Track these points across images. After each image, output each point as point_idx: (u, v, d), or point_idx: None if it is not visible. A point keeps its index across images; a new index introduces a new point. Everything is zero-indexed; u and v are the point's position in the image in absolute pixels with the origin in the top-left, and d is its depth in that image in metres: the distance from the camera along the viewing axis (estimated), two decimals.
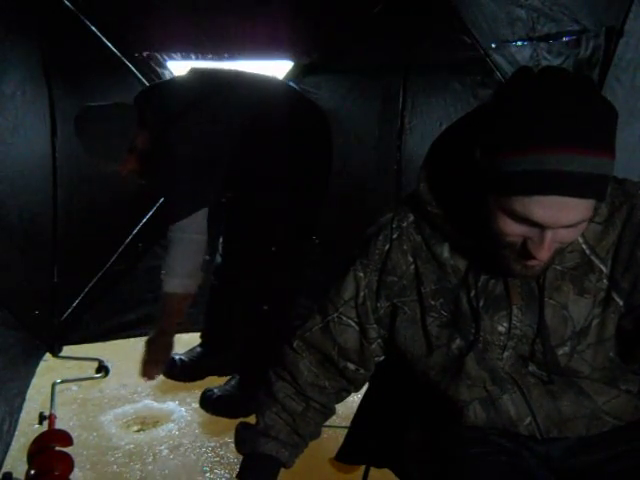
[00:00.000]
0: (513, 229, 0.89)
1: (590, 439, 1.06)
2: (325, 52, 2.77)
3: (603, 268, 1.00)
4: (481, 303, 1.03)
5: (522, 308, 1.02)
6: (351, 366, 1.19)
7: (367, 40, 2.64)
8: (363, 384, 1.27)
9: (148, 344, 2.15)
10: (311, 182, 2.28)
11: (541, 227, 0.87)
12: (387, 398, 1.35)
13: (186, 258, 2.07)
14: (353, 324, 1.15)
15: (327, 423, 2.33)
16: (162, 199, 2.84)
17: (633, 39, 1.63)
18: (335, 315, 1.15)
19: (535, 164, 0.82)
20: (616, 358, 1.03)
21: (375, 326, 1.14)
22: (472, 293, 1.03)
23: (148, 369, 2.14)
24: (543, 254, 0.89)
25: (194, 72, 2.28)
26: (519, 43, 2.10)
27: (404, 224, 1.09)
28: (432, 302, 1.07)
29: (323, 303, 1.18)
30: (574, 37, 1.83)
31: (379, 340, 1.16)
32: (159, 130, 2.06)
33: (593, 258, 1.00)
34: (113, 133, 2.05)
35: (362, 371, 1.20)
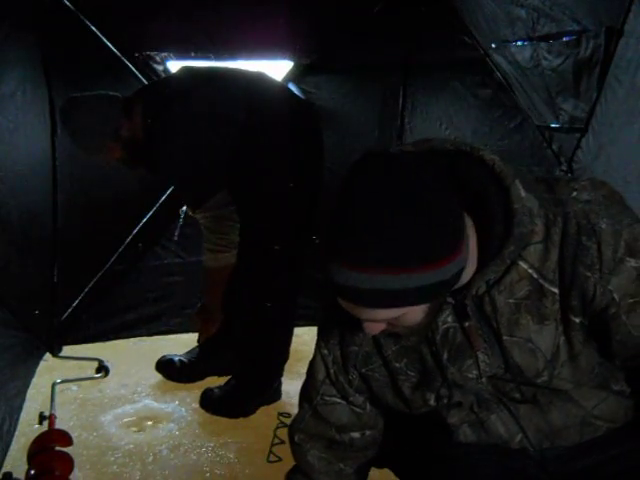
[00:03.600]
0: None
1: (583, 444, 1.06)
2: (325, 52, 2.77)
3: (554, 290, 0.96)
4: (445, 356, 1.02)
5: (487, 351, 1.00)
6: (356, 435, 1.19)
7: (367, 40, 2.64)
8: (379, 440, 1.24)
9: (199, 313, 2.51)
10: (307, 180, 2.28)
11: None
12: None
13: (223, 230, 2.24)
14: (338, 400, 1.16)
15: None
16: (163, 197, 2.86)
17: (633, 39, 1.63)
18: (319, 398, 1.17)
19: (327, 272, 0.88)
20: (601, 360, 1.02)
21: (357, 395, 1.15)
22: (433, 348, 1.02)
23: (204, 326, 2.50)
24: (368, 333, 0.95)
25: (187, 69, 2.30)
26: (519, 43, 2.10)
27: None
28: (397, 364, 1.07)
29: (305, 390, 1.20)
30: (574, 37, 1.83)
31: (368, 401, 1.17)
32: (152, 123, 2.07)
33: (542, 282, 0.96)
34: (95, 122, 2.08)
35: (369, 432, 1.20)
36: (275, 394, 2.43)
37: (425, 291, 0.85)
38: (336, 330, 1.11)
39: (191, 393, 2.48)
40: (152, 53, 2.67)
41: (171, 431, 2.24)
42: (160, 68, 2.71)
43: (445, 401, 1.05)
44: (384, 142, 2.85)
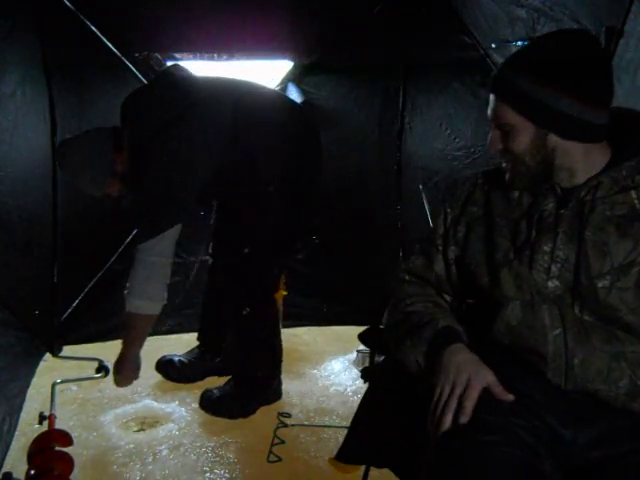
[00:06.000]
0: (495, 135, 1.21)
1: (616, 430, 1.07)
2: (325, 52, 2.77)
3: None
4: (534, 229, 1.19)
5: (566, 235, 1.15)
6: (447, 297, 1.35)
7: (367, 40, 2.64)
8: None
9: (116, 365, 2.17)
10: (303, 184, 2.28)
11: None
12: (387, 398, 1.35)
13: (150, 280, 2.06)
14: (441, 251, 1.33)
15: (327, 423, 2.34)
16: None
17: (633, 39, 1.63)
18: (434, 248, 1.34)
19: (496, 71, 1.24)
20: None
21: (453, 247, 1.32)
22: (531, 221, 1.20)
23: (121, 384, 2.21)
24: (488, 148, 1.20)
25: (169, 82, 2.23)
26: (519, 43, 2.10)
27: (487, 175, 1.33)
28: (497, 219, 1.25)
29: (423, 242, 1.37)
30: None
31: (454, 263, 1.32)
32: (132, 151, 2.07)
33: None
34: (92, 161, 2.09)
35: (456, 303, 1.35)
36: (275, 394, 2.43)
37: (543, 110, 1.11)
38: (464, 194, 1.33)
39: (191, 393, 2.48)
40: (152, 53, 2.67)
41: (171, 431, 2.24)
42: (160, 68, 2.71)
43: (525, 257, 1.18)
44: (384, 142, 2.85)
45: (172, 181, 2.03)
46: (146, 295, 2.07)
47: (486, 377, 1.10)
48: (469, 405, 1.06)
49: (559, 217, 1.16)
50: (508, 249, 1.21)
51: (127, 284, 2.08)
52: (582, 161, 1.14)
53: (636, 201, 1.12)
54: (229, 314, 2.38)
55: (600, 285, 1.10)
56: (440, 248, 1.33)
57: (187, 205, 2.11)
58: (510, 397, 1.08)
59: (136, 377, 2.22)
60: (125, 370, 2.18)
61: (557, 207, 1.17)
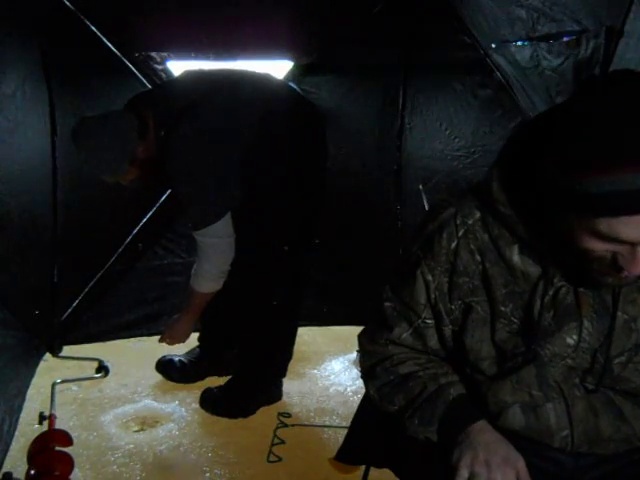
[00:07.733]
0: (600, 247, 0.88)
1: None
2: (325, 52, 2.76)
3: None
4: (551, 313, 1.01)
5: (593, 321, 1.00)
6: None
7: (367, 40, 2.64)
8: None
9: (170, 327, 2.44)
10: (312, 182, 2.29)
11: (631, 244, 0.86)
12: None
13: (221, 261, 2.19)
14: (431, 325, 1.13)
15: (327, 423, 2.34)
16: (163, 197, 2.86)
17: (633, 39, 1.63)
18: (420, 321, 1.13)
19: (619, 184, 0.80)
20: None
21: (450, 327, 1.11)
22: (544, 301, 1.01)
23: (167, 341, 2.46)
24: (637, 269, 0.87)
25: (194, 73, 2.28)
26: (519, 43, 2.10)
27: (469, 221, 1.05)
28: (502, 308, 1.04)
29: (401, 309, 1.15)
30: (574, 37, 1.83)
31: (451, 340, 1.13)
32: (166, 137, 2.04)
33: None
34: (113, 146, 2.02)
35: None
36: (275, 394, 2.43)
37: None
38: (445, 258, 1.06)
39: (191, 393, 2.48)
40: (152, 53, 2.67)
41: (171, 431, 2.24)
42: (160, 68, 2.71)
43: (545, 354, 1.02)
44: (384, 142, 2.85)
45: (223, 163, 2.07)
46: (217, 276, 2.21)
47: (518, 462, 0.99)
48: None
49: (579, 297, 1.00)
50: (518, 347, 1.04)
51: (198, 266, 2.22)
52: None
53: None
54: (250, 311, 2.34)
55: (617, 362, 1.01)
56: (429, 322, 1.12)
57: (236, 182, 2.11)
58: None
59: (183, 340, 2.47)
60: (177, 330, 2.42)
61: (575, 282, 1.00)
